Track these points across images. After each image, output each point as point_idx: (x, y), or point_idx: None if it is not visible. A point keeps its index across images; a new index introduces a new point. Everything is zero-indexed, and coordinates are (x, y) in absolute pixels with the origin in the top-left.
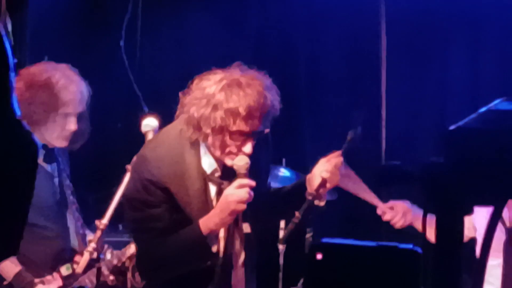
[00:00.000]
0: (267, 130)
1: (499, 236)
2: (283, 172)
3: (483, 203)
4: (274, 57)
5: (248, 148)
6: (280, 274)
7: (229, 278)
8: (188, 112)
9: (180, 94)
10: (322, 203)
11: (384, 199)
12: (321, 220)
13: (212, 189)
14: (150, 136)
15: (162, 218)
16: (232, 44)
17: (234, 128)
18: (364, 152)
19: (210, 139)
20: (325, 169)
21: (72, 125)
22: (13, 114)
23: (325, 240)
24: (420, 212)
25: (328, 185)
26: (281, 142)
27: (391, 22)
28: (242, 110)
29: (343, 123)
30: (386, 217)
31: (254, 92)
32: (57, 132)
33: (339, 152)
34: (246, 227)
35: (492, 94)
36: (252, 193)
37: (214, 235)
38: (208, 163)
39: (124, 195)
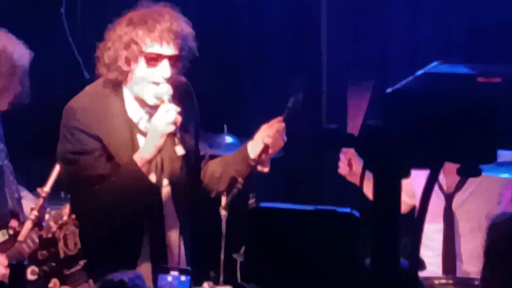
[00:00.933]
0: (183, 79)
1: (439, 202)
2: (227, 139)
3: (420, 166)
4: (216, 26)
5: (166, 71)
6: (223, 241)
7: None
8: (104, 59)
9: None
10: (266, 169)
11: (325, 163)
12: (264, 186)
13: (141, 139)
14: None
15: (97, 165)
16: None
17: (148, 49)
18: (305, 116)
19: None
20: (267, 135)
21: (14, 88)
22: None
23: (263, 204)
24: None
25: (270, 151)
26: (224, 109)
27: None
28: (153, 30)
29: (285, 89)
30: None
31: (161, 17)
32: None
33: (280, 118)
34: (180, 150)
35: (431, 57)
36: (179, 117)
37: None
38: (135, 112)
39: (57, 153)
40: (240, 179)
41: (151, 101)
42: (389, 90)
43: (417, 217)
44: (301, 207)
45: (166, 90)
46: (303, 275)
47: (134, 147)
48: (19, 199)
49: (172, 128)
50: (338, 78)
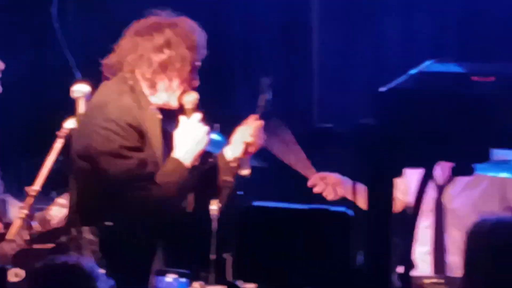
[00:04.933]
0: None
1: (431, 194)
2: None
3: (413, 165)
4: (206, 25)
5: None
6: (213, 241)
7: None
8: (137, 67)
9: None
10: (247, 171)
11: (318, 162)
12: (252, 184)
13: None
14: (81, 102)
15: (148, 162)
16: (163, 8)
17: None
18: (297, 114)
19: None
20: (248, 134)
21: None
22: None
23: (256, 203)
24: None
25: (251, 150)
26: (215, 109)
27: None
28: (194, 42)
29: (275, 88)
30: (316, 190)
31: (191, 26)
32: None
33: (256, 116)
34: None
35: (425, 56)
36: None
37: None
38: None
39: (97, 152)
40: (230, 178)
41: (175, 104)
42: (383, 89)
43: (411, 215)
44: (294, 206)
45: (194, 99)
46: (295, 273)
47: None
48: (2, 201)
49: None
50: (330, 78)
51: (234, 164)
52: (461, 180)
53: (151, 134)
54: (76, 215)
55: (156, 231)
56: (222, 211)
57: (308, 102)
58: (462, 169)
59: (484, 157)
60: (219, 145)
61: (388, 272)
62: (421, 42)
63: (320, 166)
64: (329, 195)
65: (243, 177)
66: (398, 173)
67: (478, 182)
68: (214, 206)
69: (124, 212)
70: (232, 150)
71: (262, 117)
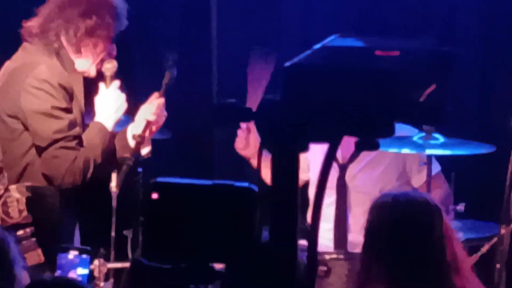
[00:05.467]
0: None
1: (333, 173)
2: None
3: (319, 140)
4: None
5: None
6: (113, 218)
7: None
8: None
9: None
10: (147, 149)
11: (221, 138)
12: (152, 161)
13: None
14: None
15: (77, 123)
16: None
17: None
18: (196, 91)
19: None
20: (149, 112)
21: None
22: None
23: (160, 179)
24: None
25: (153, 128)
26: None
27: None
28: (117, 11)
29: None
30: (239, 133)
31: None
32: None
33: (158, 94)
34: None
35: (323, 31)
36: None
37: None
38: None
39: (29, 111)
40: (130, 155)
41: (94, 72)
42: (287, 64)
43: (317, 193)
44: (198, 182)
45: (113, 66)
46: (200, 250)
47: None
48: None
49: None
50: (229, 53)
51: (134, 142)
52: (363, 158)
53: (77, 97)
54: (3, 174)
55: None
56: (121, 188)
57: (208, 78)
58: (366, 143)
59: (389, 132)
60: (123, 124)
61: (293, 248)
62: (320, 18)
63: (224, 141)
64: (237, 144)
65: (144, 155)
66: (303, 149)
67: (379, 159)
68: (113, 183)
69: (52, 171)
70: (134, 129)
71: (166, 94)
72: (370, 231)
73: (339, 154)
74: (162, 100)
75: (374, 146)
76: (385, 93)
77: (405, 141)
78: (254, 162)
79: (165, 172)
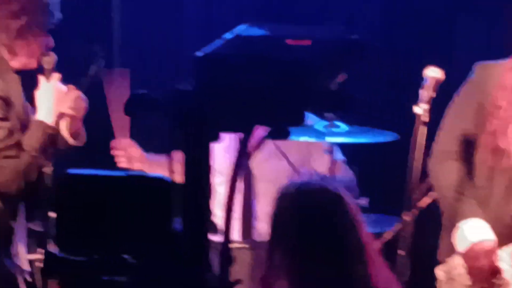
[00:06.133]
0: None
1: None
2: None
3: (231, 129)
4: None
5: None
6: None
7: None
8: None
9: None
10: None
11: (133, 129)
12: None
13: None
14: None
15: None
16: None
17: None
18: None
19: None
20: (67, 107)
21: None
22: None
23: (71, 171)
24: (155, 158)
25: (77, 122)
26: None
27: None
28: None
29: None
30: (114, 152)
31: None
32: None
33: (72, 86)
34: None
35: (225, 18)
36: None
37: None
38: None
39: None
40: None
41: (35, 65)
42: (199, 53)
43: (230, 182)
44: (111, 173)
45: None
46: (114, 241)
47: None
48: None
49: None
50: (139, 43)
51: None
52: (268, 147)
53: (15, 99)
54: None
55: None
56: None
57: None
58: (278, 132)
59: (299, 120)
60: None
61: (205, 238)
62: (223, 5)
63: (135, 133)
64: (122, 163)
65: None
66: (214, 138)
67: (284, 148)
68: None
69: None
70: (45, 117)
71: (93, 86)
72: (275, 220)
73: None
74: (77, 92)
75: (285, 135)
76: (296, 82)
77: (309, 129)
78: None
79: (76, 163)
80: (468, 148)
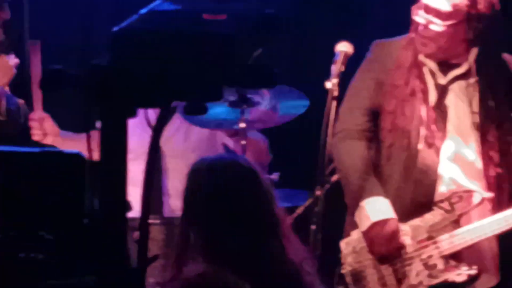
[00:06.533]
0: None
1: (146, 137)
2: None
3: (148, 105)
4: None
5: None
6: None
7: None
8: None
9: None
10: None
11: (49, 105)
12: None
13: None
14: None
15: None
16: None
17: None
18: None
19: None
20: None
21: None
22: None
23: None
24: (69, 134)
25: None
26: None
27: None
28: None
29: None
30: (31, 124)
31: None
32: None
33: None
34: None
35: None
36: None
37: None
38: None
39: None
40: None
41: None
42: (115, 28)
43: (148, 159)
44: (25, 149)
45: None
46: (30, 218)
47: None
48: None
49: None
50: (47, 18)
51: None
52: (176, 121)
53: None
54: None
55: None
56: None
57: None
58: (194, 108)
59: (217, 96)
60: None
61: (122, 217)
62: None
63: (51, 109)
64: (35, 136)
65: None
66: (131, 114)
67: (191, 124)
68: None
69: None
70: None
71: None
72: (187, 198)
73: (152, 117)
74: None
75: (202, 111)
76: (214, 57)
77: (218, 105)
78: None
79: None
80: (369, 126)
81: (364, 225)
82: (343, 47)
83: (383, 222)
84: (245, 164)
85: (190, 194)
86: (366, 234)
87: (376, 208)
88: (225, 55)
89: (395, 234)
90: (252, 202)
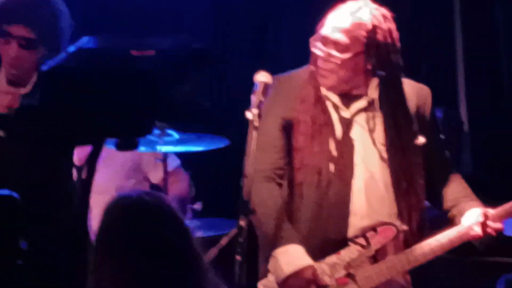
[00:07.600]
0: None
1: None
2: None
3: (81, 143)
4: None
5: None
6: None
7: None
8: None
9: None
10: None
11: None
12: None
13: None
14: None
15: None
16: None
17: None
18: None
19: None
20: None
21: None
22: None
23: None
24: None
25: None
26: None
27: None
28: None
29: None
30: None
31: None
32: None
33: None
34: None
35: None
36: None
37: None
38: None
39: None
40: None
41: None
42: (43, 68)
43: (81, 197)
44: None
45: None
46: None
47: None
48: None
49: None
50: None
51: None
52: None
53: None
54: None
55: None
56: None
57: None
58: (126, 143)
59: (147, 131)
60: None
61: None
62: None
63: None
64: None
65: None
66: (68, 155)
67: (113, 157)
68: None
69: None
70: None
71: None
72: (101, 235)
73: (74, 156)
74: None
75: (133, 146)
76: (143, 93)
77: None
78: None
79: None
80: (283, 163)
81: (279, 277)
82: (262, 77)
83: (298, 273)
84: (161, 202)
85: (104, 233)
86: (282, 286)
87: (289, 260)
88: (153, 90)
89: (312, 281)
90: (164, 244)
